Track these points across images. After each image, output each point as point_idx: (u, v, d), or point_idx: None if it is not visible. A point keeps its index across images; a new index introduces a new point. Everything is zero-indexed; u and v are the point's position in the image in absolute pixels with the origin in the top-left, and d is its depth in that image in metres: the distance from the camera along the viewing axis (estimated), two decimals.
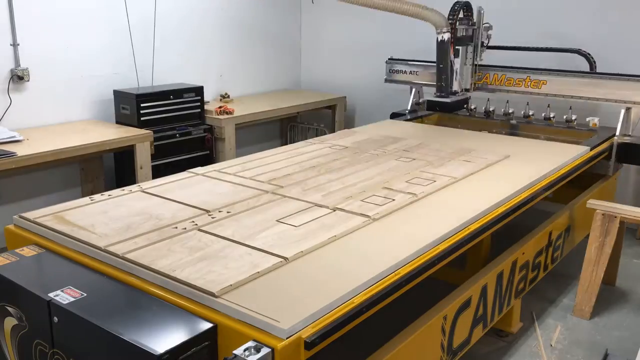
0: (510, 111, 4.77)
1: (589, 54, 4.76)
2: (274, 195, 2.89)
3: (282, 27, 6.64)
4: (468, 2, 4.58)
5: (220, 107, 5.38)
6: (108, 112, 4.96)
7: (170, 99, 4.95)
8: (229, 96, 5.88)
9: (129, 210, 2.63)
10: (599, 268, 3.64)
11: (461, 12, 4.54)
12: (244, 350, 1.67)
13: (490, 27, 4.67)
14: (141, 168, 4.46)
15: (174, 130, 4.94)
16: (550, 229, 3.55)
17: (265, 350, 1.68)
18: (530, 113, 4.72)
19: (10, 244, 2.53)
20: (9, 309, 2.12)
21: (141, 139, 4.46)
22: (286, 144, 6.22)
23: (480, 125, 4.84)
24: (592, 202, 3.73)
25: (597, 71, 4.60)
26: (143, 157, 4.47)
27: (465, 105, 4.91)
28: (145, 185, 3.04)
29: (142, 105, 4.74)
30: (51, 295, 1.95)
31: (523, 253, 3.24)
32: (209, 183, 3.09)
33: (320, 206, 2.72)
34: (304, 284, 2.02)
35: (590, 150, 4.01)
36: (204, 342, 1.78)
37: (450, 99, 4.58)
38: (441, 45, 4.48)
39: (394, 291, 2.12)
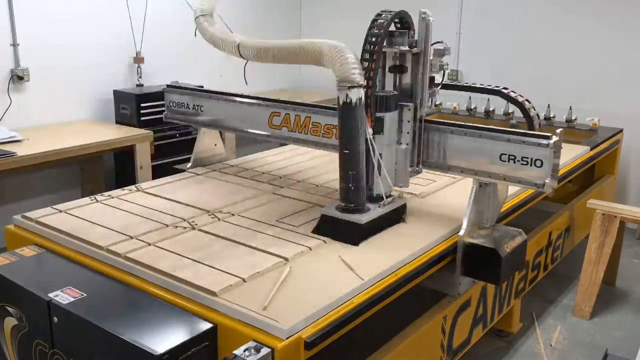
0: (510, 111, 4.75)
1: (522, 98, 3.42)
2: (274, 195, 2.89)
3: (282, 27, 6.63)
4: (403, 12, 2.59)
5: None
6: (108, 112, 4.96)
7: None
8: None
9: (129, 210, 2.64)
10: (599, 268, 3.64)
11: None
12: (244, 351, 1.67)
13: (446, 50, 2.56)
14: (141, 168, 4.45)
15: (174, 130, 4.93)
16: (550, 229, 3.55)
17: (265, 351, 1.68)
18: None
19: (10, 244, 2.53)
20: (9, 309, 2.12)
21: (141, 139, 4.45)
22: (286, 144, 6.21)
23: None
24: (592, 202, 3.73)
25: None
26: (143, 157, 4.47)
27: (403, 217, 2.61)
28: (145, 185, 3.04)
29: (142, 105, 4.74)
30: (51, 295, 1.95)
31: None
32: (209, 183, 3.10)
33: (320, 206, 2.72)
34: (303, 284, 2.02)
35: (591, 149, 4.00)
36: (203, 342, 1.78)
37: (366, 216, 2.39)
38: (347, 111, 2.33)
39: (394, 291, 2.12)
